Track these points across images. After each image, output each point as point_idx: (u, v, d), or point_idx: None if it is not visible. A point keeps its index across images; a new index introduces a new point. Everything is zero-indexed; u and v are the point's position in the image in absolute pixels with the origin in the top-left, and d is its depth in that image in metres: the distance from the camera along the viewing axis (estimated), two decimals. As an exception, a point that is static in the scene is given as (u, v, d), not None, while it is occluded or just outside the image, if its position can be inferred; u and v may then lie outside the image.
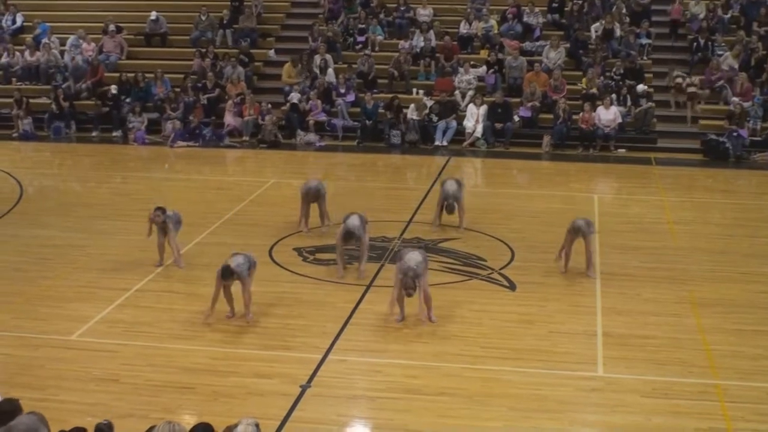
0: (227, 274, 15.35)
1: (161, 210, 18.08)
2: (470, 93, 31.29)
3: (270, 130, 30.05)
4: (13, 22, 36.19)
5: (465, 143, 30.10)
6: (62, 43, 34.68)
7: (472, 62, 32.38)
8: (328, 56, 32.85)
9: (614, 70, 31.34)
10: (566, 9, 34.62)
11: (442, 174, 25.68)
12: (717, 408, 12.94)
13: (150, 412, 12.28)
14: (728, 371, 14.11)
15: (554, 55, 32.39)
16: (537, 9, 34.34)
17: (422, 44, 33.35)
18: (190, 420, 11.22)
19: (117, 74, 33.01)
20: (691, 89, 30.80)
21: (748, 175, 27.62)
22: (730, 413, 12.78)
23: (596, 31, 33.07)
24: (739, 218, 22.46)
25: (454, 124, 30.40)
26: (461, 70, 31.97)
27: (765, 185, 26.67)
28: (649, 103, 30.43)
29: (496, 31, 33.76)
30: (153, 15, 35.10)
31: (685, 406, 12.96)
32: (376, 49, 33.90)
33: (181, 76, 32.66)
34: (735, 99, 29.78)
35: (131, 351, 14.56)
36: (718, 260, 19.21)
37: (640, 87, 30.55)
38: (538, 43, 33.36)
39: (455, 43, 33.43)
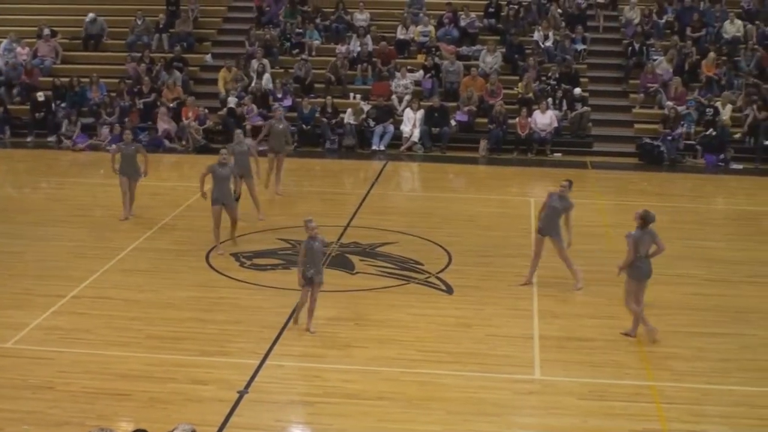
0: None
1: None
2: (407, 97, 31.37)
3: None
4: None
5: (402, 148, 30.10)
6: (-5, 47, 34.29)
7: (409, 67, 32.46)
8: (266, 61, 32.73)
9: (550, 74, 31.58)
10: (502, 14, 34.80)
11: (379, 179, 25.76)
12: (652, 409, 13.09)
13: (86, 419, 12.17)
14: (663, 372, 14.30)
15: (491, 59, 32.54)
16: (473, 14, 34.47)
17: (359, 49, 33.38)
18: (126, 427, 11.18)
19: (51, 78, 32.65)
20: None
21: (682, 179, 27.92)
22: (665, 414, 12.94)
23: (539, 39, 33.21)
24: (673, 221, 22.64)
25: (391, 128, 30.39)
26: (398, 74, 32.00)
27: (698, 188, 27.00)
28: (585, 108, 30.66)
29: (432, 36, 33.86)
30: (90, 16, 34.78)
31: (621, 408, 13.10)
32: (313, 53, 33.86)
33: (117, 80, 32.36)
34: (669, 103, 30.09)
35: (67, 358, 14.42)
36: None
37: (576, 91, 30.77)
38: (474, 48, 33.48)
39: (392, 47, 33.48)
